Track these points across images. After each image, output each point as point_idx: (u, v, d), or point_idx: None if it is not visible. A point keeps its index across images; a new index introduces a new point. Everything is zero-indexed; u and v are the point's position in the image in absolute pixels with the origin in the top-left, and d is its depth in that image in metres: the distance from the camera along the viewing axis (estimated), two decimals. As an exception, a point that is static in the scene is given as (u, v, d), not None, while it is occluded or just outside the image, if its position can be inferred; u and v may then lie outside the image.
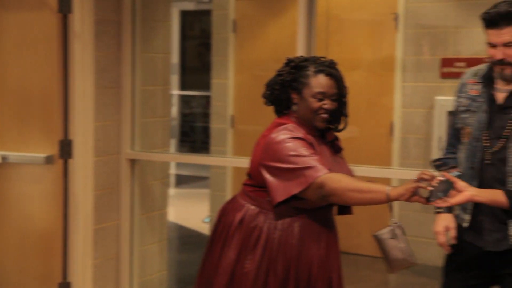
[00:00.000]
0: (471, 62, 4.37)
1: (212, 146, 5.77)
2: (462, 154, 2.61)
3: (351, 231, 5.08)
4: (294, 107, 2.50)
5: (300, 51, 3.38)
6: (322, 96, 2.44)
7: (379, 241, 2.38)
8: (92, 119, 3.64)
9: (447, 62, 4.93)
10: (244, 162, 2.59)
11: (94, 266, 3.72)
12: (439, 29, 4.97)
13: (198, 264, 2.67)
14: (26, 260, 3.68)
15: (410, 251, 2.37)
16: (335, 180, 2.27)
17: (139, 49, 3.88)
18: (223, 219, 2.57)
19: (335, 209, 2.57)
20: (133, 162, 3.88)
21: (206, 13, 8.18)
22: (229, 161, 5.03)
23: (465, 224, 2.59)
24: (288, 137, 2.38)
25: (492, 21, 2.43)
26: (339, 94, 2.49)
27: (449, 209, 2.63)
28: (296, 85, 2.48)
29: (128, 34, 3.79)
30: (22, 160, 3.61)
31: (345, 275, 2.69)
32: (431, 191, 2.15)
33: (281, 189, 2.35)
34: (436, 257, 4.03)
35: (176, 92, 10.07)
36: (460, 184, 2.22)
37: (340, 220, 2.60)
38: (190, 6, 10.11)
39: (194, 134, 10.36)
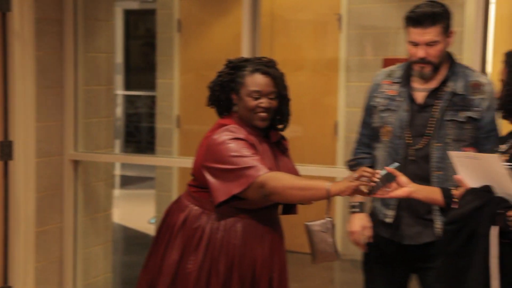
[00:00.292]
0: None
1: (158, 146, 5.73)
2: (381, 152, 2.66)
3: (296, 230, 5.11)
4: (235, 108, 2.51)
5: (245, 51, 3.40)
6: (258, 94, 2.45)
7: (309, 231, 2.41)
8: (33, 120, 3.58)
9: (389, 62, 4.98)
10: (190, 162, 2.58)
11: (36, 269, 3.66)
12: (381, 30, 5.06)
13: (143, 265, 2.65)
14: (-35, 265, 3.59)
15: (336, 247, 2.42)
16: (276, 179, 2.29)
17: (81, 49, 3.83)
18: (168, 219, 2.56)
19: (280, 209, 2.59)
20: (76, 163, 3.82)
21: (151, 13, 8.12)
22: (174, 161, 5.01)
23: (389, 220, 2.63)
24: (229, 138, 2.39)
25: (417, 20, 2.50)
26: (278, 93, 2.50)
27: (364, 208, 2.68)
28: (234, 86, 2.49)
29: (70, 33, 3.74)
30: (-40, 162, 3.52)
31: (291, 273, 2.71)
32: (372, 186, 2.19)
33: (222, 189, 2.36)
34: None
35: (120, 92, 9.97)
36: (402, 179, 2.27)
37: (285, 220, 2.62)
38: (134, 6, 10.03)
39: (139, 134, 10.27)
